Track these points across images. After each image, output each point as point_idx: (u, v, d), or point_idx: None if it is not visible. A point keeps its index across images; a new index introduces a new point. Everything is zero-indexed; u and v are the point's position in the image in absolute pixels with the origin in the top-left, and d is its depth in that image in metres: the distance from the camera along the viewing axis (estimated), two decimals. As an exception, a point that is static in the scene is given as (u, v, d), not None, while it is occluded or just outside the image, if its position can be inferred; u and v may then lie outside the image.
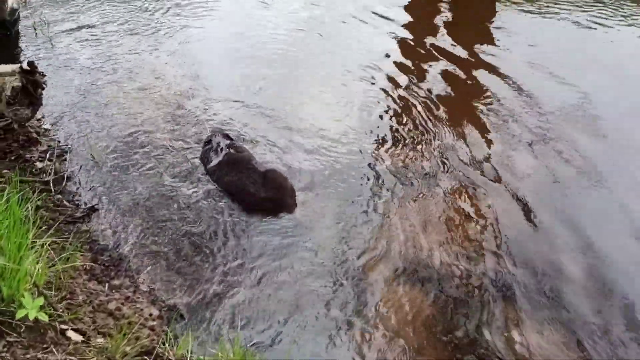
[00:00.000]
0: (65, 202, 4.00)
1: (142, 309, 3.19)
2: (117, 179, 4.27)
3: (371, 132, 5.03)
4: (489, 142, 4.94)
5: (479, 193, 4.33)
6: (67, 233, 3.72)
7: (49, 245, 3.21)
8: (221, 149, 4.20)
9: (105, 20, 6.58)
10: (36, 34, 6.21)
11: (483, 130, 5.08)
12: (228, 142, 4.30)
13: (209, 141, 4.43)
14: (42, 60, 5.67)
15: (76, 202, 4.05)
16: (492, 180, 4.46)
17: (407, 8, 7.41)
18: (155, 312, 3.20)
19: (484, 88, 5.68)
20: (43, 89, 3.99)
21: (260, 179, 4.01)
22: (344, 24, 6.91)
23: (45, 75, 3.98)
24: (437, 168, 4.59)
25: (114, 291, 3.28)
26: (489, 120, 5.19)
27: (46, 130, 4.67)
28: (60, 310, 2.81)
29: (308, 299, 3.43)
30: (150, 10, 6.90)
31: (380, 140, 4.92)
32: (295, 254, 3.74)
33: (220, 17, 6.98)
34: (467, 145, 4.87)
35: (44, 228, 3.63)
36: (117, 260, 3.59)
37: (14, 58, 5.77)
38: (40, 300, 2.59)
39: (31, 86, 3.84)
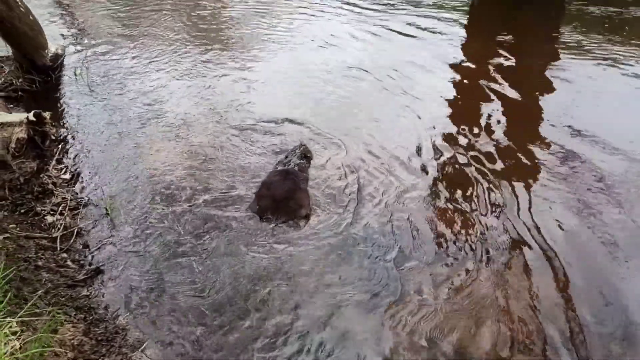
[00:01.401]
0: (68, 262, 3.65)
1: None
2: (129, 237, 3.90)
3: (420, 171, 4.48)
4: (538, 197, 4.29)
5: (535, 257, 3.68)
6: (64, 298, 3.35)
7: (31, 315, 2.82)
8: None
9: (148, 68, 6.40)
10: (76, 79, 6.09)
11: (537, 183, 4.44)
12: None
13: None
14: (76, 108, 5.52)
15: (81, 263, 3.69)
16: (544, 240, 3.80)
17: (465, 53, 6.92)
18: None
19: (545, 139, 5.03)
20: (53, 140, 3.70)
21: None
22: (402, 68, 6.44)
23: (56, 126, 3.70)
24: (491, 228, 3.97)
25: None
26: (547, 174, 4.54)
27: (64, 181, 4.39)
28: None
29: None
30: (191, 57, 6.70)
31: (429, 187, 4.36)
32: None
33: (275, 69, 6.67)
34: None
35: (39, 293, 3.30)
36: (113, 333, 3.17)
37: (52, 103, 5.66)
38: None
39: (39, 138, 3.55)
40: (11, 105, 5.53)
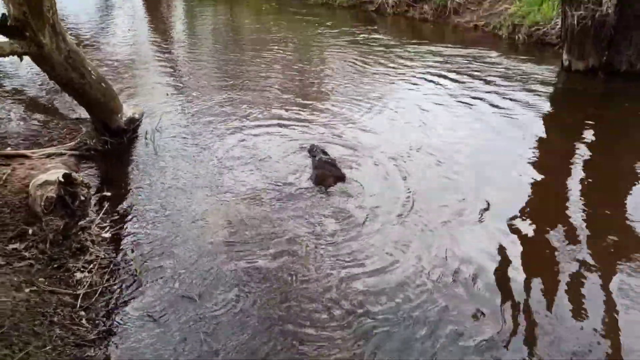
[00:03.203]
0: (83, 321, 3.70)
1: None
2: (151, 302, 3.91)
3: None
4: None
5: None
6: (67, 357, 3.38)
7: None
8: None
9: (220, 144, 6.39)
10: (147, 143, 6.42)
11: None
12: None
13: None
14: (137, 170, 5.79)
15: (96, 322, 3.73)
16: None
17: (548, 129, 6.66)
18: None
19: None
20: (82, 201, 3.87)
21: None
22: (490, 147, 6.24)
23: (89, 187, 3.87)
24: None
25: None
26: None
27: (103, 239, 4.54)
28: None
29: None
30: (269, 123, 6.89)
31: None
32: None
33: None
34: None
35: (46, 349, 3.37)
36: (103, 400, 3.13)
37: (117, 163, 6.00)
38: None
39: (69, 197, 3.73)
40: (83, 164, 5.93)
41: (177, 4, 17.70)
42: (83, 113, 6.54)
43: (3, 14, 4.78)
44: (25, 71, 8.81)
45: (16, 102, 7.73)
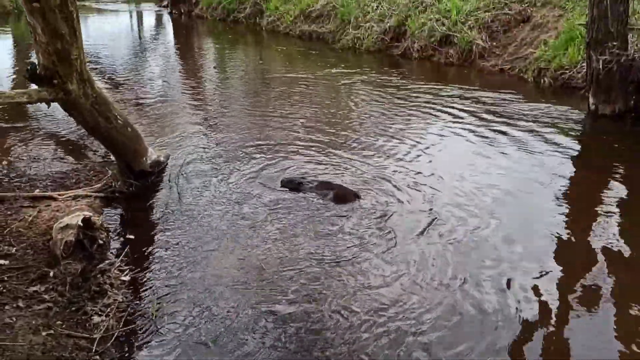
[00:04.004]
0: (95, 366, 3.72)
1: None
2: (167, 350, 3.88)
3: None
4: None
5: None
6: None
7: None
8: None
9: (244, 190, 6.36)
10: (170, 186, 6.52)
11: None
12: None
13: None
14: (158, 213, 5.87)
15: (109, 368, 3.74)
16: None
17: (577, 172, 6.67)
18: None
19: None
20: (101, 245, 3.94)
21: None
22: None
23: (108, 231, 3.94)
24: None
25: None
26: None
27: (122, 282, 4.59)
28: None
29: None
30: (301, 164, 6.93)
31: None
32: None
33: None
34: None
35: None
36: None
37: (139, 206, 6.10)
38: None
39: (88, 241, 3.80)
40: (108, 207, 6.04)
41: (208, 47, 18.23)
42: (109, 155, 6.71)
43: (33, 63, 5.00)
44: (61, 113, 9.09)
45: (47, 143, 7.98)
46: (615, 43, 8.22)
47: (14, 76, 12.72)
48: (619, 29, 8.22)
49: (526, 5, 12.93)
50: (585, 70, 9.22)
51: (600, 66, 8.32)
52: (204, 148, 7.79)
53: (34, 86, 5.21)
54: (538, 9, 12.67)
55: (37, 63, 4.95)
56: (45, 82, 4.95)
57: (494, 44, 12.60)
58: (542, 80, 10.88)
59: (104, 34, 20.34)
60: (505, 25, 12.76)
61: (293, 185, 6.16)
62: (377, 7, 15.50)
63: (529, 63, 11.43)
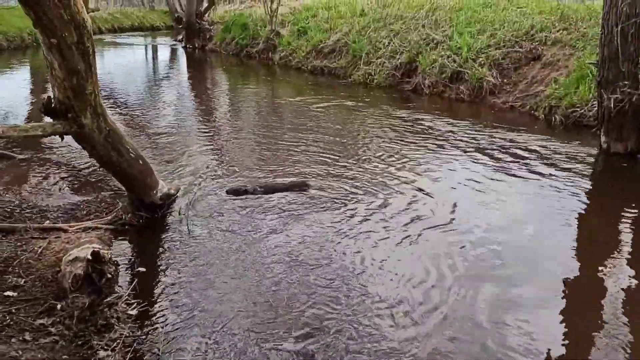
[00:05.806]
0: (99, 403, 3.67)
1: None
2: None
3: None
4: None
5: None
6: None
7: None
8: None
9: (254, 227, 6.29)
10: (180, 219, 6.53)
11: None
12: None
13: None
14: (166, 246, 5.86)
15: (112, 405, 3.69)
16: None
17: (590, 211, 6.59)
18: None
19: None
20: (109, 279, 3.93)
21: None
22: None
23: (117, 265, 3.94)
24: None
25: None
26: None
27: (129, 316, 4.56)
28: None
29: None
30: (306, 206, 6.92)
31: None
32: None
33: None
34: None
35: None
36: None
37: (147, 239, 6.10)
38: None
39: (96, 275, 3.80)
40: (117, 239, 6.05)
41: (221, 80, 18.49)
42: (120, 188, 6.75)
43: (49, 97, 5.08)
44: (74, 145, 9.17)
45: (59, 174, 8.04)
46: (626, 82, 8.24)
47: (30, 107, 12.92)
48: (630, 69, 8.26)
49: (537, 43, 13.05)
50: (596, 108, 9.23)
51: (612, 105, 8.33)
52: (214, 180, 7.81)
53: (48, 119, 5.28)
54: (548, 47, 12.78)
55: (52, 97, 5.04)
56: (60, 115, 5.02)
57: (505, 81, 12.69)
58: (553, 118, 10.89)
59: (119, 66, 20.71)
60: (516, 63, 12.87)
61: (239, 193, 6.92)
62: (389, 43, 15.71)
63: (539, 100, 11.47)
